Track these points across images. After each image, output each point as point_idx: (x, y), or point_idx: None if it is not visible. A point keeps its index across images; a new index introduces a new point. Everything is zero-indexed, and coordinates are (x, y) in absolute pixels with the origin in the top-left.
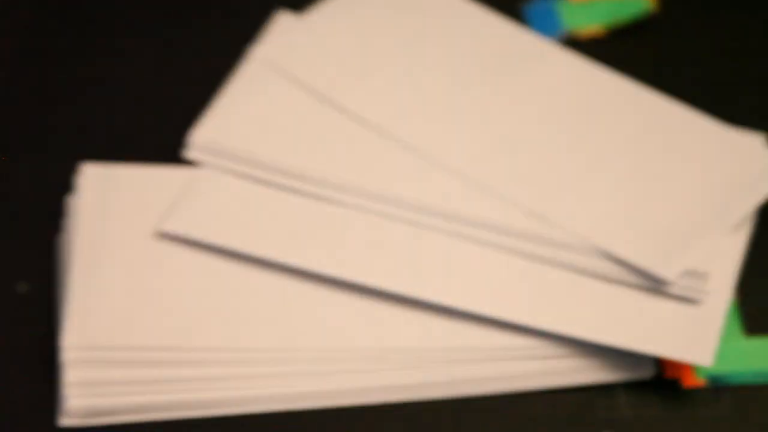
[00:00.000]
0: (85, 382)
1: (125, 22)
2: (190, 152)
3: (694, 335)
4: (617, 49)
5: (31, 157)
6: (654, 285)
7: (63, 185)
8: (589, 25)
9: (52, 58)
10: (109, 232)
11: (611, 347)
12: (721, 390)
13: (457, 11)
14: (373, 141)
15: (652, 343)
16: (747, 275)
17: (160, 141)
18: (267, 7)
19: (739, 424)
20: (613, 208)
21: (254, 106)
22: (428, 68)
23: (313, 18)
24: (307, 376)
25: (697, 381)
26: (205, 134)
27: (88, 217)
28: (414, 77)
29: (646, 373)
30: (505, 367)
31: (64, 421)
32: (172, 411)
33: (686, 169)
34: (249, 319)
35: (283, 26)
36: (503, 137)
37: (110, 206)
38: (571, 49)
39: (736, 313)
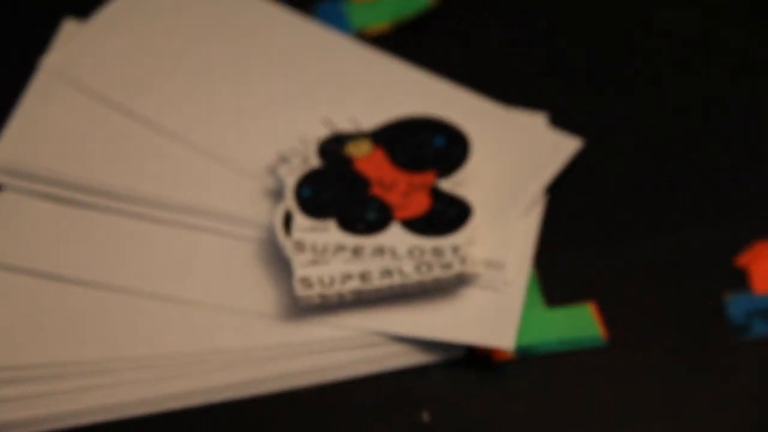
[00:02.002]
0: None
1: None
2: None
3: (496, 321)
4: (403, 43)
5: None
6: (454, 279)
7: None
8: (376, 22)
9: None
10: None
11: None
12: (529, 360)
13: (247, 8)
14: (169, 148)
15: (457, 332)
16: (544, 250)
17: None
18: (55, 15)
19: (549, 390)
20: None
21: (49, 120)
22: (218, 67)
23: (97, 22)
24: (130, 384)
25: (506, 355)
26: (3, 155)
27: None
28: (205, 78)
29: (458, 352)
30: (326, 359)
31: None
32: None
33: (476, 156)
34: (72, 334)
35: (70, 34)
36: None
37: None
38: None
39: (536, 287)
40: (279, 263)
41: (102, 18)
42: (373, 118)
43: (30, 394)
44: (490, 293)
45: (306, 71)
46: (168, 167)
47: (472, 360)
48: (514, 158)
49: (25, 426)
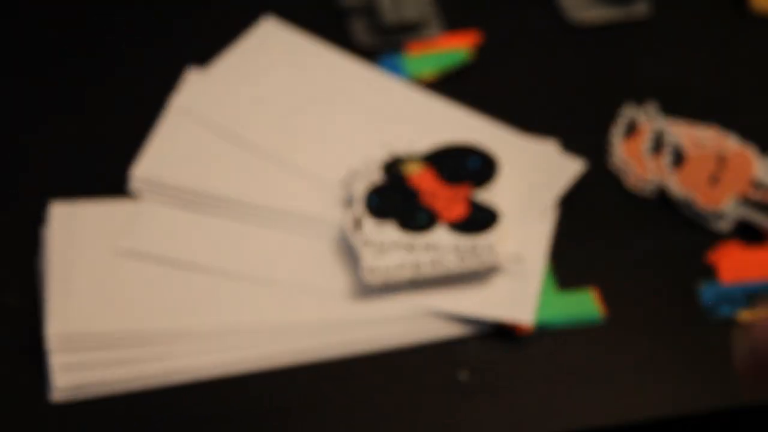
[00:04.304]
0: (66, 365)
1: (71, 85)
2: (133, 185)
3: (518, 302)
4: (447, 87)
5: (6, 196)
6: (487, 269)
7: (36, 218)
8: (426, 71)
9: (13, 115)
10: (76, 252)
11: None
12: (545, 333)
13: (328, 60)
14: (268, 166)
15: (488, 310)
16: (558, 246)
17: (112, 177)
18: (180, 64)
19: (557, 357)
20: None
21: (176, 145)
22: (306, 104)
23: (213, 72)
24: (236, 348)
25: (526, 329)
26: (142, 171)
27: (58, 243)
28: (295, 113)
29: (489, 326)
30: (387, 329)
31: (54, 396)
32: (138, 382)
33: (503, 173)
34: (190, 307)
35: (193, 79)
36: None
37: (75, 233)
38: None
39: (551, 275)
40: (350, 255)
41: (216, 69)
42: (424, 144)
43: (160, 354)
44: (514, 280)
45: (372, 107)
46: (266, 180)
47: (500, 332)
48: (532, 176)
49: (157, 377)
